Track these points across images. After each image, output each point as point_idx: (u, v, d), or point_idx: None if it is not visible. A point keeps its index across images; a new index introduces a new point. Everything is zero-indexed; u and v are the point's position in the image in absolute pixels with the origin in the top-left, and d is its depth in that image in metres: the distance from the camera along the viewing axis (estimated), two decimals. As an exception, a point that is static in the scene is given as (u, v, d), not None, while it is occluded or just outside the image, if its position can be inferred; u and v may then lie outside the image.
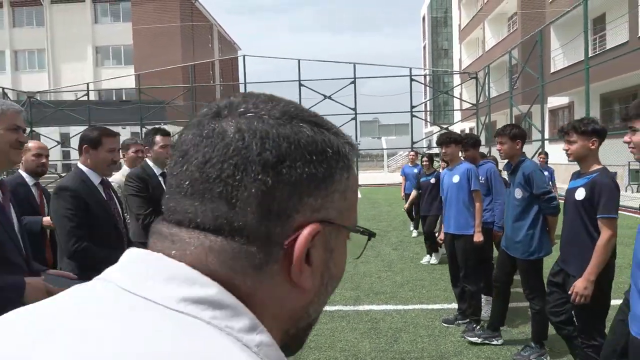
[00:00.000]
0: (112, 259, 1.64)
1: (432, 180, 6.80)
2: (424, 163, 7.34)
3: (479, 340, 3.87)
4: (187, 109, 26.33)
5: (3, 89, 25.41)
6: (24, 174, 3.02)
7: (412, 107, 24.14)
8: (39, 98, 27.99)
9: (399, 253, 7.60)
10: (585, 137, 2.86)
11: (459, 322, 4.34)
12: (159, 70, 28.15)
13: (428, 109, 41.34)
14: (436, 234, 5.72)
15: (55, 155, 28.17)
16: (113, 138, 2.70)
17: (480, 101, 23.51)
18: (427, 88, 34.56)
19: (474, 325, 4.09)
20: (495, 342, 3.85)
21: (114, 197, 2.77)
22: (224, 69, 44.33)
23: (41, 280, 1.75)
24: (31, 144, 3.08)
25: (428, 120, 37.25)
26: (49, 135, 25.41)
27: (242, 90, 28.96)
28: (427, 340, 4.01)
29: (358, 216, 0.53)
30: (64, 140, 27.62)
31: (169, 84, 28.00)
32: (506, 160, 3.78)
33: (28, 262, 1.85)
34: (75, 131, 22.82)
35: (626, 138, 1.91)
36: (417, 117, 24.31)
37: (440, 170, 7.27)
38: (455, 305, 4.64)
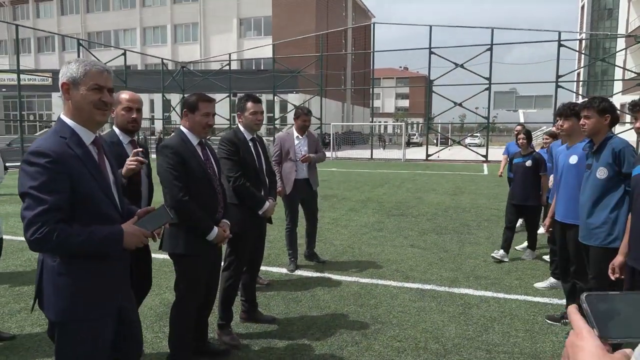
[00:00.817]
0: (205, 222, 2.62)
1: (528, 163, 5.67)
2: (520, 141, 5.87)
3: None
4: (317, 77, 26.97)
5: (162, 59, 28.86)
6: (117, 131, 2.90)
7: (558, 76, 21.44)
8: (190, 68, 31.24)
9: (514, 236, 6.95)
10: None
11: (566, 321, 3.84)
12: (292, 40, 29.20)
13: (581, 78, 36.40)
14: (540, 224, 4.79)
15: None
16: (208, 103, 2.88)
17: (648, 70, 19.90)
18: (582, 55, 30.39)
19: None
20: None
21: (211, 157, 2.97)
22: (356, 37, 44.25)
23: (135, 226, 1.91)
24: (123, 94, 2.89)
25: (580, 92, 32.83)
26: (197, 101, 28.38)
27: (373, 58, 28.69)
28: (522, 335, 3.63)
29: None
30: (209, 106, 30.41)
31: (302, 54, 28.94)
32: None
33: (123, 215, 2.01)
34: (219, 97, 24.97)
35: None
36: (563, 87, 21.59)
37: (543, 148, 6.27)
38: (564, 302, 4.11)
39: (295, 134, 5.26)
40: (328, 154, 26.40)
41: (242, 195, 3.43)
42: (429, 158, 24.07)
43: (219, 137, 3.50)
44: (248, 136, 3.52)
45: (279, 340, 3.52)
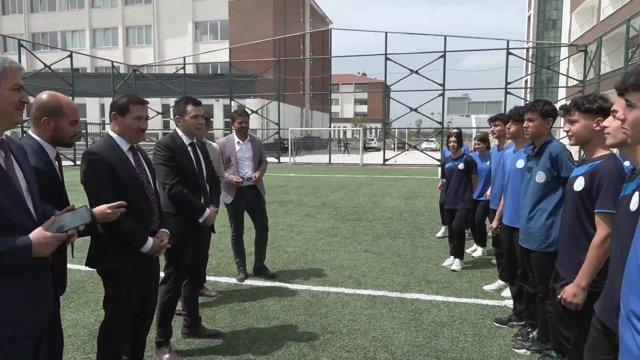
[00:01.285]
0: (137, 233, 2.36)
1: (461, 166, 5.54)
2: (451, 144, 5.68)
3: (529, 353, 3.40)
4: (275, 82, 26.78)
5: (112, 62, 27.82)
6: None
7: (507, 83, 22.28)
8: (143, 71, 30.27)
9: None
10: (589, 117, 2.47)
11: (513, 323, 3.87)
12: (250, 44, 28.90)
13: (528, 85, 38.06)
14: (487, 225, 4.62)
15: (156, 124, 30.46)
16: (141, 106, 2.67)
17: (589, 77, 21.02)
18: (529, 63, 31.80)
19: (529, 330, 3.60)
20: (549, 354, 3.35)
21: (144, 164, 2.75)
22: (314, 43, 44.41)
23: (45, 232, 1.70)
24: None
25: (527, 98, 34.28)
26: (152, 106, 27.49)
27: (331, 63, 28.82)
28: (470, 340, 3.61)
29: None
30: (165, 111, 29.61)
31: (260, 58, 28.67)
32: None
33: (40, 221, 1.79)
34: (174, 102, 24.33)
35: (620, 114, 1.40)
36: (512, 94, 22.44)
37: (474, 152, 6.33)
38: (512, 304, 4.14)
39: (236, 139, 4.96)
40: (286, 159, 26.29)
41: (179, 204, 3.22)
42: (386, 162, 24.36)
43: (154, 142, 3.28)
44: (187, 141, 3.32)
45: (222, 356, 3.33)
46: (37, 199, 1.83)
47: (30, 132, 2.41)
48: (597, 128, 2.42)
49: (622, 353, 1.33)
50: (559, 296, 2.44)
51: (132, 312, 2.68)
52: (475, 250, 6.22)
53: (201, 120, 3.34)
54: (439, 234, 7.21)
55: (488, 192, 5.49)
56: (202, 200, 3.36)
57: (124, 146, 2.64)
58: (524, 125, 3.30)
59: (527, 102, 4.12)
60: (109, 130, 2.73)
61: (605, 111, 2.42)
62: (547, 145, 3.18)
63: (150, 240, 2.61)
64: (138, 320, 2.80)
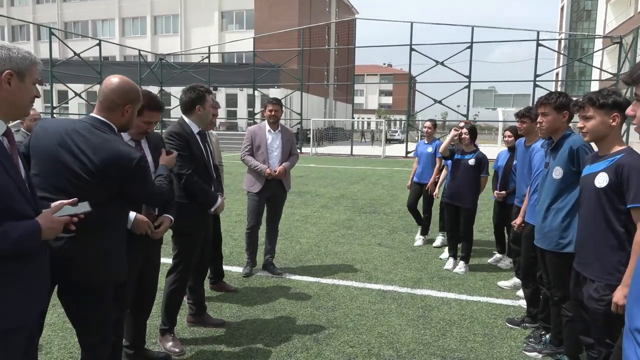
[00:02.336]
0: None
1: (472, 162, 5.17)
2: (464, 136, 5.22)
3: (540, 357, 3.27)
4: (298, 72, 26.69)
5: (139, 50, 28.23)
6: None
7: (536, 75, 21.60)
8: (170, 60, 30.61)
9: (485, 236, 6.89)
10: (605, 112, 2.36)
11: (526, 325, 3.74)
12: (274, 34, 28.85)
13: (560, 78, 36.86)
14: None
15: (221, 114, 30.79)
16: (157, 112, 2.68)
17: (624, 71, 20.18)
18: (561, 55, 30.76)
19: (542, 332, 3.47)
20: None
21: (149, 155, 2.73)
22: (339, 33, 44.01)
23: (52, 216, 1.74)
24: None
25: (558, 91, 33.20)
26: (177, 94, 27.90)
27: (355, 54, 28.56)
28: (480, 340, 3.51)
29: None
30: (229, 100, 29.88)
31: (284, 48, 28.60)
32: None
33: (37, 211, 1.82)
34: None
35: (630, 110, 1.28)
36: (541, 87, 21.74)
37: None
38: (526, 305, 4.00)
39: (268, 127, 4.83)
40: (307, 149, 26.24)
41: (195, 193, 3.21)
42: (409, 155, 24.05)
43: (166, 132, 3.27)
44: (195, 129, 3.29)
45: (225, 345, 3.33)
46: (34, 189, 1.85)
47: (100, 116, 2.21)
48: (614, 124, 2.32)
49: None
50: (613, 302, 2.28)
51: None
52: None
53: (214, 118, 3.36)
54: (437, 243, 6.28)
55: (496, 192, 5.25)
56: (213, 189, 3.36)
57: (126, 137, 2.62)
58: (538, 120, 3.14)
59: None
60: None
61: (620, 106, 2.32)
62: (567, 138, 3.02)
63: (132, 214, 2.54)
64: (137, 306, 2.81)
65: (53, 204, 1.84)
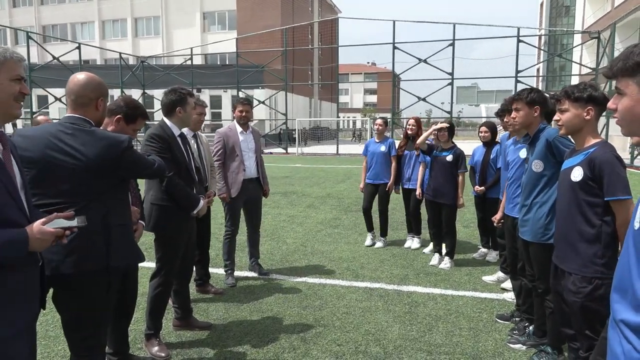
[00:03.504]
0: None
1: (449, 158, 5.21)
2: (442, 133, 5.23)
3: (524, 348, 3.32)
4: (283, 73, 26.62)
5: (120, 53, 27.88)
6: None
7: (518, 71, 21.89)
8: (152, 63, 30.30)
9: (469, 231, 6.96)
10: (579, 105, 2.41)
11: (516, 319, 3.78)
12: (257, 34, 28.73)
13: (541, 73, 37.39)
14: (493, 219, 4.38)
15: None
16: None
17: (602, 65, 20.56)
18: (541, 51, 31.19)
19: (526, 324, 3.52)
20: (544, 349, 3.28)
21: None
22: (323, 33, 44.02)
23: (43, 227, 1.66)
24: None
25: (539, 87, 33.70)
26: (160, 97, 27.63)
27: (339, 53, 28.59)
28: (465, 334, 3.54)
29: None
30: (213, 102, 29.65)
31: (267, 48, 28.51)
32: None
33: (31, 219, 1.75)
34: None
35: (611, 104, 1.29)
36: (522, 82, 22.04)
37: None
38: (511, 297, 4.06)
39: (239, 128, 4.72)
40: (293, 149, 26.19)
41: (177, 196, 3.17)
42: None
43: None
44: (177, 132, 3.26)
45: (212, 348, 3.31)
46: (30, 197, 1.81)
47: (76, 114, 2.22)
48: (588, 117, 2.38)
49: (608, 356, 1.26)
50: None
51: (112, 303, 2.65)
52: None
53: (203, 117, 3.33)
54: (415, 245, 6.06)
55: (477, 187, 5.31)
56: (195, 192, 3.33)
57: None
58: (511, 115, 3.21)
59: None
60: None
61: (595, 100, 2.37)
62: (542, 132, 3.08)
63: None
64: (118, 312, 2.78)
65: (48, 217, 1.75)
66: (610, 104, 1.33)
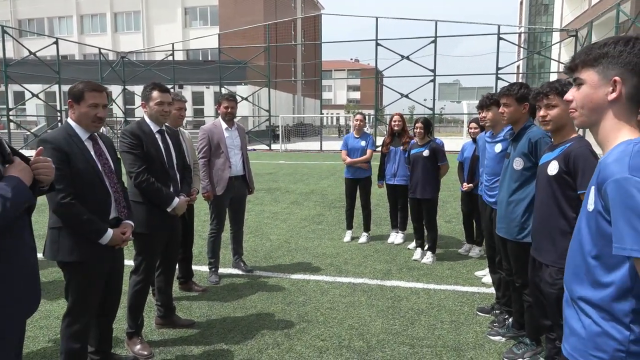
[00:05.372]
0: (94, 225, 2.53)
1: (426, 153, 5.29)
2: (418, 130, 5.35)
3: (503, 340, 3.39)
4: (265, 69, 26.49)
5: (100, 49, 27.38)
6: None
7: (498, 69, 22.19)
8: (132, 58, 29.81)
9: (451, 227, 7.05)
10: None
11: (496, 312, 3.85)
12: (240, 30, 28.51)
13: (521, 71, 37.95)
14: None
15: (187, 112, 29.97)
16: (98, 93, 2.58)
17: (580, 63, 20.95)
18: (521, 48, 31.65)
19: (505, 317, 3.59)
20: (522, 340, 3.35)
21: (106, 152, 2.67)
22: (306, 29, 43.89)
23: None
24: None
25: (519, 83, 34.16)
26: (140, 93, 27.20)
27: (322, 49, 28.58)
28: (447, 327, 3.60)
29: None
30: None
31: (250, 44, 28.31)
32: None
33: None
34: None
35: (568, 95, 1.34)
36: (503, 80, 22.36)
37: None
38: (492, 291, 4.14)
39: (224, 125, 4.65)
40: (277, 146, 26.11)
41: (146, 192, 3.13)
42: (377, 149, 24.28)
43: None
44: (155, 128, 3.23)
45: (195, 346, 3.30)
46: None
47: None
48: (566, 99, 2.44)
49: (566, 335, 1.31)
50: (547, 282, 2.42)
51: (91, 303, 2.62)
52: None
53: (167, 107, 3.22)
54: (398, 240, 6.10)
55: (465, 185, 5.38)
56: (172, 189, 3.28)
57: (83, 135, 2.56)
58: (500, 110, 3.24)
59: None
60: (68, 118, 2.64)
61: None
62: (526, 130, 3.11)
63: (110, 231, 2.55)
64: (101, 311, 2.76)
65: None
66: (566, 96, 1.38)
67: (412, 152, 5.43)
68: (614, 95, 1.21)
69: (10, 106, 22.82)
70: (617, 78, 1.20)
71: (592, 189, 1.20)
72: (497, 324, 3.56)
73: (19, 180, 1.64)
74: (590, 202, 1.20)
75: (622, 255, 1.10)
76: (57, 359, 3.05)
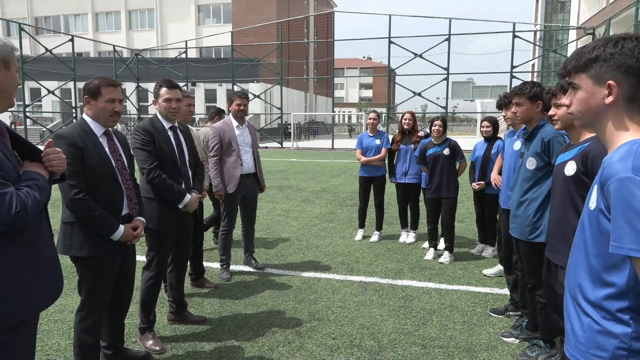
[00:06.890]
0: (106, 221, 2.58)
1: (446, 152, 5.25)
2: (436, 128, 5.32)
3: (517, 342, 3.34)
4: (278, 67, 26.51)
5: (114, 46, 27.66)
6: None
7: (513, 67, 21.91)
8: (146, 56, 30.06)
9: (464, 226, 6.99)
10: None
11: (510, 313, 3.80)
12: (252, 27, 28.57)
13: (536, 69, 37.45)
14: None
15: (199, 109, 30.18)
16: (114, 88, 2.59)
17: (596, 61, 20.60)
18: (536, 46, 31.26)
19: (524, 319, 3.53)
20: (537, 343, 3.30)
21: (120, 149, 2.69)
22: (318, 26, 43.83)
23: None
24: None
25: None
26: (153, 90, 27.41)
27: (334, 47, 28.52)
28: (459, 328, 3.56)
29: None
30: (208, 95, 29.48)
31: (263, 42, 28.36)
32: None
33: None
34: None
35: (565, 100, 1.32)
36: (517, 78, 22.07)
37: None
38: (505, 292, 4.08)
39: (235, 122, 4.67)
40: (289, 144, 26.15)
41: (157, 188, 3.14)
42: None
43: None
44: (167, 125, 3.24)
45: (207, 342, 3.31)
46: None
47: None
48: (563, 103, 2.42)
49: (567, 335, 1.30)
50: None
51: (104, 298, 2.64)
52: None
53: (175, 104, 3.21)
54: (410, 239, 6.09)
55: (475, 184, 5.31)
56: (184, 186, 3.29)
57: (98, 131, 2.58)
58: (512, 110, 3.19)
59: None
60: (83, 114, 2.66)
61: None
62: (540, 129, 3.07)
63: (122, 227, 2.56)
64: (113, 306, 2.77)
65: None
66: (563, 100, 1.37)
67: (429, 152, 5.34)
68: (611, 98, 1.19)
69: (27, 102, 23.15)
70: (611, 82, 1.18)
71: (595, 187, 1.19)
72: (509, 330, 3.51)
73: (42, 177, 1.69)
74: (593, 201, 1.19)
75: (620, 254, 1.09)
76: (71, 353, 3.09)
